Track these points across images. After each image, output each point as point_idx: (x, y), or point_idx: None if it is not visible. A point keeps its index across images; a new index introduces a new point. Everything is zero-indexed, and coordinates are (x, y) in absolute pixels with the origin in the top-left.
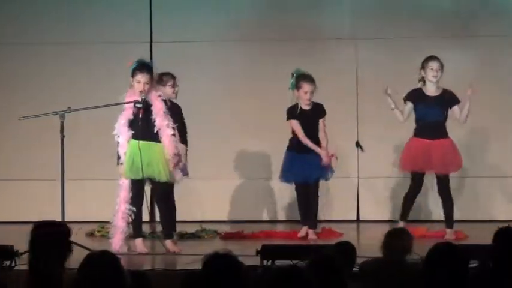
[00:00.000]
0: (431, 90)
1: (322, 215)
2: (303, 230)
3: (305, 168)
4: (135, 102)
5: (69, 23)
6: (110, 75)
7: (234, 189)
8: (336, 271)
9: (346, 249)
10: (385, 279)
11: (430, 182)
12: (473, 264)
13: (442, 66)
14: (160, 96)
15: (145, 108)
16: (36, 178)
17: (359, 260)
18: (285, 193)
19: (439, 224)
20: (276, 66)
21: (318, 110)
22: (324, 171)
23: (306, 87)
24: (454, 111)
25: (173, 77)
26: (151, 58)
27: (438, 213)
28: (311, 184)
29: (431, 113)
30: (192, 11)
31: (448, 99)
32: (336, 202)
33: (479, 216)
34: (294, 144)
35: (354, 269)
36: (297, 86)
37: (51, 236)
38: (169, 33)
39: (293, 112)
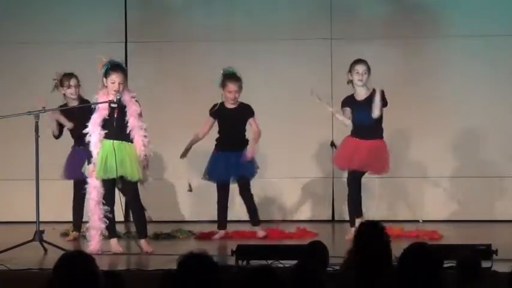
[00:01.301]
0: (360, 94)
1: (296, 215)
2: (221, 233)
3: (228, 167)
4: (110, 102)
5: (43, 23)
6: (85, 76)
7: (208, 189)
8: (314, 275)
9: (318, 249)
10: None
11: (405, 182)
12: (448, 264)
13: (368, 69)
14: (134, 97)
15: (119, 108)
16: (10, 178)
17: (333, 260)
18: (259, 193)
19: (414, 223)
20: (251, 65)
21: (244, 111)
22: (248, 168)
23: (230, 86)
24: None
25: (76, 77)
26: (126, 57)
27: (416, 213)
28: (239, 184)
29: (362, 116)
30: (166, 11)
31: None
32: (311, 202)
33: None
34: (220, 144)
35: (328, 268)
36: (222, 85)
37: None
38: (144, 33)
39: (212, 109)
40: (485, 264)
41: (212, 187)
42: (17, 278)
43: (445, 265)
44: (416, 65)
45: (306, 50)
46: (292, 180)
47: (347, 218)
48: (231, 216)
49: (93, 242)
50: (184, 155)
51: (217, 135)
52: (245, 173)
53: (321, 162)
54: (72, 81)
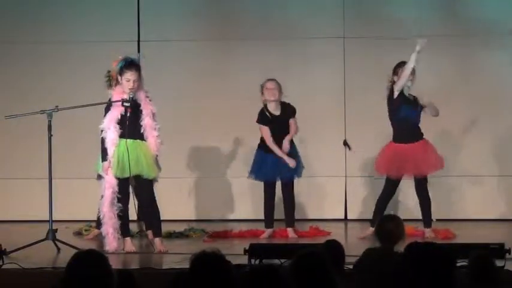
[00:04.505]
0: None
1: (309, 213)
2: (269, 232)
3: (275, 167)
4: (123, 101)
5: (56, 22)
6: (98, 74)
7: (220, 187)
8: (322, 267)
9: (335, 248)
10: (377, 272)
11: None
12: (461, 263)
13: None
14: (148, 97)
15: (133, 106)
16: (23, 177)
17: (347, 259)
18: None
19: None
20: (263, 64)
21: (288, 112)
22: (295, 168)
23: (268, 84)
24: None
25: None
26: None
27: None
28: (284, 183)
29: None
30: (179, 10)
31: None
32: (324, 201)
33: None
34: (264, 144)
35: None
36: (262, 90)
37: None
38: (157, 32)
39: (263, 117)
40: (498, 263)
41: (223, 185)
42: (30, 276)
43: (458, 264)
44: (431, 64)
45: (318, 48)
46: (305, 179)
47: (359, 217)
48: (253, 215)
49: (111, 240)
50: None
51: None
52: (292, 172)
53: (333, 161)
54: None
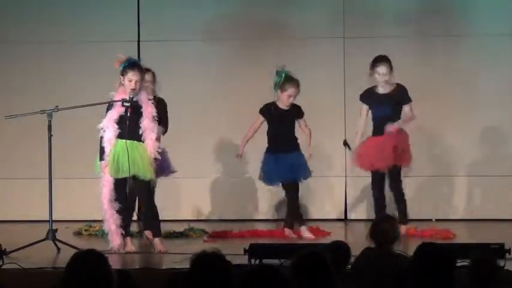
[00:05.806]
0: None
1: (310, 213)
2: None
3: (282, 169)
4: (123, 100)
5: (57, 22)
6: (98, 74)
7: (220, 187)
8: (323, 267)
9: (341, 248)
10: (375, 272)
11: (417, 181)
12: (461, 263)
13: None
14: (150, 99)
15: (134, 107)
16: (23, 177)
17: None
18: (270, 192)
19: (426, 222)
20: (263, 65)
21: (294, 111)
22: (300, 172)
23: (291, 91)
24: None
25: (152, 73)
26: (138, 57)
27: (427, 212)
28: (289, 184)
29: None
30: (179, 10)
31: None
32: (324, 201)
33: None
34: (272, 145)
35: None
36: (281, 88)
37: None
38: (157, 32)
39: (267, 109)
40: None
41: (224, 185)
42: (30, 276)
43: (458, 264)
44: (430, 63)
45: (318, 48)
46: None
47: (359, 217)
48: (254, 215)
49: (115, 236)
50: (241, 156)
51: (268, 136)
52: (299, 175)
53: (333, 161)
54: (152, 77)
